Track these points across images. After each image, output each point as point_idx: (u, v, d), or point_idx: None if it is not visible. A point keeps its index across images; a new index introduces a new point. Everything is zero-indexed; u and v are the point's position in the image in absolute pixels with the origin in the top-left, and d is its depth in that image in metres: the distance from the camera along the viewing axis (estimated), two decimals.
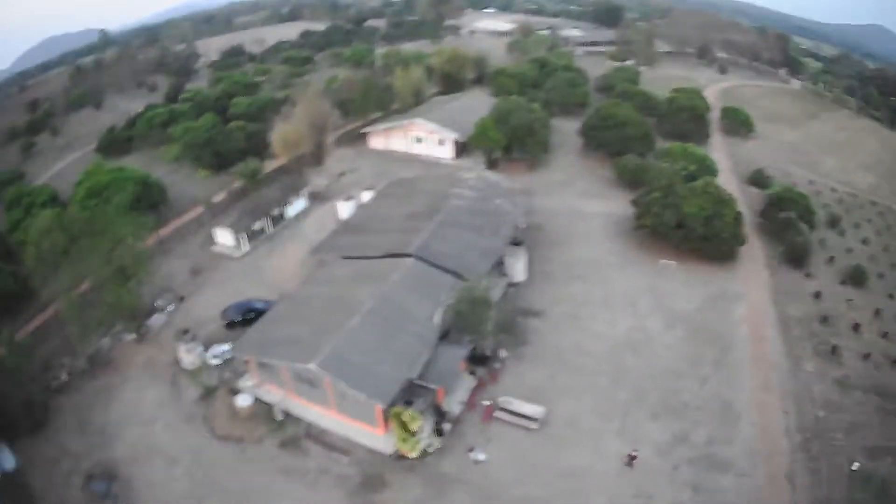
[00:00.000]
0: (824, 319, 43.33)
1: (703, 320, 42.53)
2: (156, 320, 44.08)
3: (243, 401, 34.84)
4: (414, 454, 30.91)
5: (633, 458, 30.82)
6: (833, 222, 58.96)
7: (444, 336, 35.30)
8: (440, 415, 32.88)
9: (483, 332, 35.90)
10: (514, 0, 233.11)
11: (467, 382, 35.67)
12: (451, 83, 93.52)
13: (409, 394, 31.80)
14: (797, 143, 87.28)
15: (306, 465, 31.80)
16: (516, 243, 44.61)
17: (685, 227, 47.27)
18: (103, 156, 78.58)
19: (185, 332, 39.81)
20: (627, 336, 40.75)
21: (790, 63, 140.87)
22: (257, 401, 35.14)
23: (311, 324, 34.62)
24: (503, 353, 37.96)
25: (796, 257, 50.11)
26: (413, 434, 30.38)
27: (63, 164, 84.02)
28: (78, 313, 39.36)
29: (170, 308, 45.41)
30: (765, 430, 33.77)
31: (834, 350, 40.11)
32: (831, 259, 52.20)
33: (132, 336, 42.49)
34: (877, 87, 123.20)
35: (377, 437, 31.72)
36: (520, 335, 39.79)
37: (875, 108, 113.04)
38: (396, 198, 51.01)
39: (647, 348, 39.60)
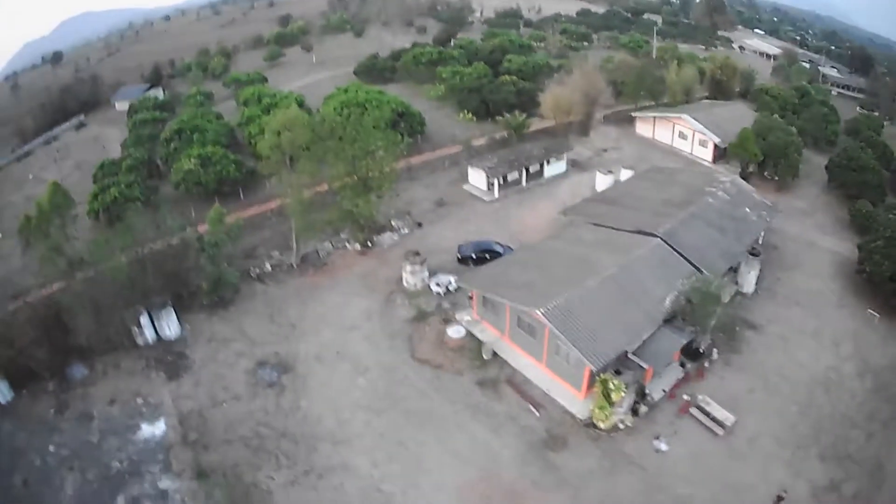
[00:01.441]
0: None
1: (892, 378, 38.72)
2: (386, 238, 45.70)
3: (455, 332, 35.88)
4: (605, 425, 31.41)
5: (781, 498, 29.32)
6: None
7: (669, 321, 35.47)
8: (641, 395, 33.12)
9: (705, 328, 35.80)
10: (781, 27, 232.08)
11: (675, 372, 35.71)
12: (719, 89, 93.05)
13: (621, 365, 32.27)
14: None
15: (496, 409, 32.25)
16: (753, 254, 44.36)
17: None
18: (361, 80, 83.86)
19: (416, 254, 40.43)
20: (825, 374, 38.16)
21: None
22: (469, 335, 36.01)
23: (547, 275, 35.42)
24: (715, 354, 37.64)
25: None
26: (612, 404, 30.91)
27: (311, 80, 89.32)
28: (305, 211, 40.46)
29: (404, 231, 47.03)
30: None
31: None
32: None
33: (356, 246, 44.08)
34: None
35: (576, 400, 32.22)
36: (735, 341, 39.14)
37: None
38: (653, 182, 51.86)
39: (837, 390, 37.05)
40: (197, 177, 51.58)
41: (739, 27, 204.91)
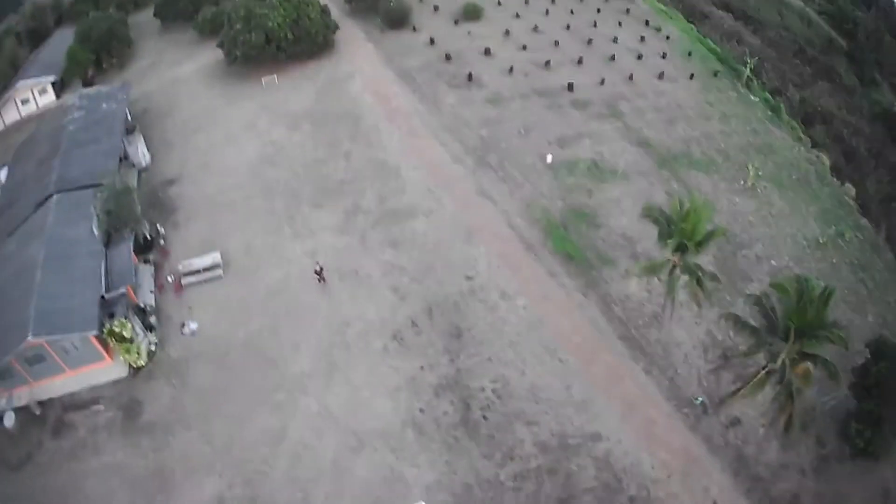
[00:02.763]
0: (448, 57, 51.09)
1: (324, 109, 47.01)
2: None
3: None
4: (143, 361, 31.90)
5: (319, 272, 33.95)
6: None
7: (109, 241, 36.21)
8: (142, 312, 34.29)
9: (137, 219, 37.40)
10: None
11: (147, 270, 37.29)
12: None
13: (107, 308, 32.45)
14: None
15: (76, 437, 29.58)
16: (130, 130, 46.47)
17: (275, 40, 49.92)
18: None
19: None
20: (261, 154, 43.67)
21: None
22: None
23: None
24: (161, 230, 39.60)
25: (396, 20, 55.58)
26: (131, 341, 31.48)
27: None
28: None
29: None
30: (431, 163, 40.46)
31: (470, 77, 48.86)
32: (438, 9, 58.69)
33: None
34: None
35: (110, 368, 33.29)
36: (167, 206, 41.61)
37: None
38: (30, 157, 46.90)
39: (281, 156, 43.23)
40: None
41: None
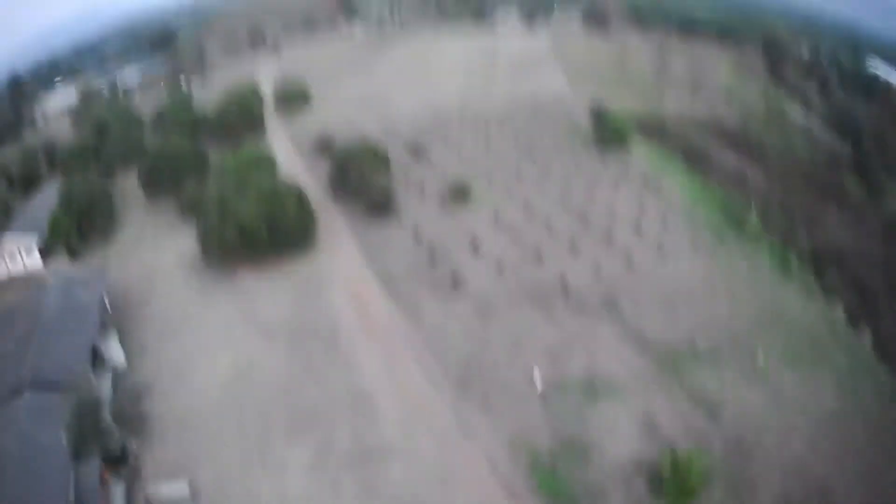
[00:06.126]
0: (432, 256, 49.42)
1: (301, 319, 44.72)
2: None
3: None
4: None
5: None
6: (417, 153, 63.64)
7: (79, 455, 33.02)
8: None
9: (105, 434, 34.80)
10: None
11: (119, 489, 34.25)
12: None
13: None
14: (361, 94, 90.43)
15: None
16: (104, 325, 43.92)
17: (248, 235, 48.17)
18: None
19: None
20: (235, 371, 41.48)
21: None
22: None
23: None
24: (133, 444, 36.82)
25: (379, 206, 54.10)
26: None
27: None
28: None
29: None
30: (409, 390, 38.72)
31: (455, 281, 47.28)
32: (424, 190, 57.40)
33: None
34: None
35: None
36: (138, 419, 38.64)
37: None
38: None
39: (255, 374, 41.00)
40: None
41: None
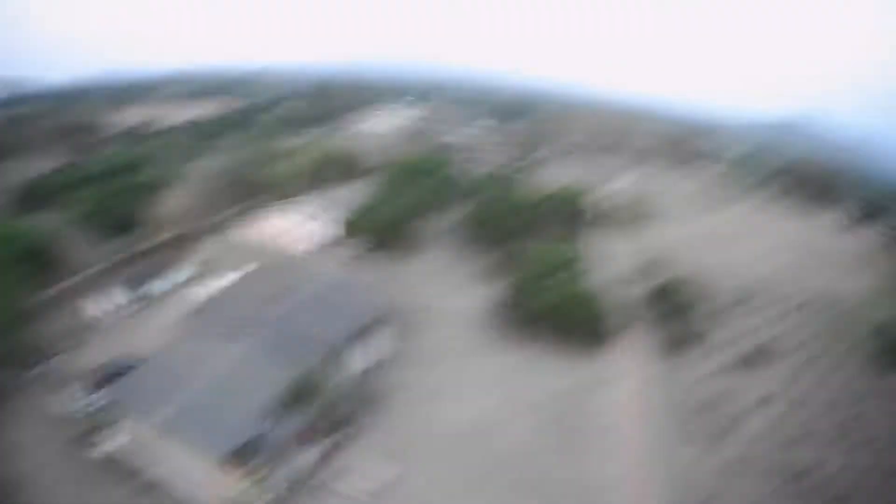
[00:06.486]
0: (710, 405, 44.19)
1: (563, 408, 43.58)
2: (38, 370, 47.63)
3: (106, 447, 39.45)
4: None
5: None
6: (733, 306, 59.67)
7: (284, 409, 38.08)
8: (277, 478, 35.70)
9: (322, 406, 39.79)
10: (433, 93, 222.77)
11: (312, 451, 38.52)
12: (335, 175, 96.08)
13: (247, 451, 34.59)
14: (705, 230, 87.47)
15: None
16: (378, 325, 48.92)
17: (554, 314, 49.62)
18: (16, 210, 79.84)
19: (62, 381, 44.58)
20: (481, 418, 42.15)
21: (704, 156, 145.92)
22: (119, 448, 39.21)
23: (167, 382, 38.87)
24: (348, 427, 40.61)
25: (680, 343, 51.56)
26: (246, 490, 33.60)
27: None
28: None
29: (53, 359, 48.97)
30: None
31: (720, 433, 40.81)
32: (725, 343, 53.04)
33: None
34: (795, 178, 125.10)
35: (223, 488, 34.98)
36: (367, 409, 42.61)
37: (793, 196, 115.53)
38: (262, 278, 53.69)
39: (502, 430, 41.08)
40: None
41: (378, 106, 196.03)
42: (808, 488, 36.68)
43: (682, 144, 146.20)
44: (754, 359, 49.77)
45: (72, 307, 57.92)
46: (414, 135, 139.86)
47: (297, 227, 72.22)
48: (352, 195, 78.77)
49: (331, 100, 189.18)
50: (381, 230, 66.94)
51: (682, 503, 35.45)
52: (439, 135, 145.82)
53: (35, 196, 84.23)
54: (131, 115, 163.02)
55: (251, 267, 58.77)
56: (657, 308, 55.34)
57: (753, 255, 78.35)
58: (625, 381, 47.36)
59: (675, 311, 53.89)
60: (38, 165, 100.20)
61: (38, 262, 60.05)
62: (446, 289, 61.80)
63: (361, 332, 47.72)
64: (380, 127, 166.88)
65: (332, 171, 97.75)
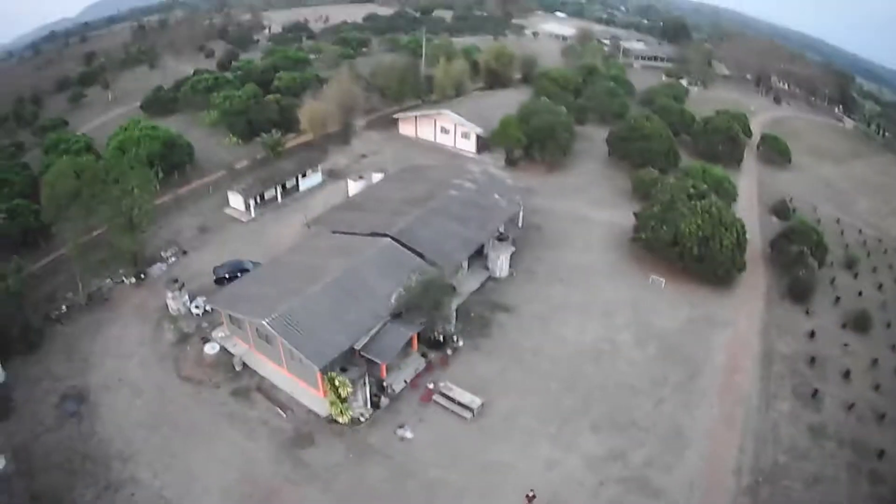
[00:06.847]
0: (813, 361, 42.22)
1: (679, 342, 42.54)
2: (157, 269, 49.09)
3: (210, 349, 39.35)
4: (344, 420, 33.47)
5: (531, 498, 30.20)
6: (850, 263, 56.09)
7: (400, 315, 37.11)
8: (381, 388, 35.37)
9: (436, 317, 37.66)
10: (586, 7, 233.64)
11: (416, 363, 37.97)
12: (496, 80, 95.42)
13: (348, 362, 34.19)
14: (834, 180, 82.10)
15: (249, 415, 35.50)
16: (501, 239, 46.83)
17: (680, 245, 47.33)
18: (147, 114, 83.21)
19: (175, 281, 43.92)
20: (594, 345, 41.35)
21: (847, 102, 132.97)
22: (223, 350, 39.31)
23: (279, 286, 38.26)
24: (459, 341, 39.94)
25: (799, 292, 48.95)
26: (343, 400, 32.80)
27: (107, 118, 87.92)
28: (82, 254, 44.60)
29: (171, 259, 50.18)
30: (713, 464, 33.41)
31: (815, 394, 38.87)
32: (838, 300, 50.10)
33: (131, 280, 47.38)
34: None
35: (317, 399, 34.92)
36: (481, 326, 41.71)
37: None
38: (402, 182, 54.47)
39: (609, 361, 40.18)
40: (3, 229, 50.71)
41: (539, 12, 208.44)
42: (881, 471, 34.48)
43: (836, 87, 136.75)
44: (864, 321, 47.04)
45: (199, 207, 59.63)
46: (584, 43, 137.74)
47: (450, 131, 72.55)
48: (507, 101, 77.45)
49: (502, 4, 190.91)
50: (532, 139, 65.57)
51: (760, 456, 34.45)
52: (609, 45, 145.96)
53: (173, 98, 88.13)
54: (282, 17, 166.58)
55: (397, 168, 60.17)
56: (782, 253, 53.56)
57: (881, 212, 73.96)
58: (745, 323, 46.08)
59: (797, 259, 51.87)
60: (184, 68, 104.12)
61: (175, 160, 63.10)
62: (586, 204, 60.84)
63: (498, 240, 47.07)
64: (555, 31, 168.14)
65: (494, 75, 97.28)
